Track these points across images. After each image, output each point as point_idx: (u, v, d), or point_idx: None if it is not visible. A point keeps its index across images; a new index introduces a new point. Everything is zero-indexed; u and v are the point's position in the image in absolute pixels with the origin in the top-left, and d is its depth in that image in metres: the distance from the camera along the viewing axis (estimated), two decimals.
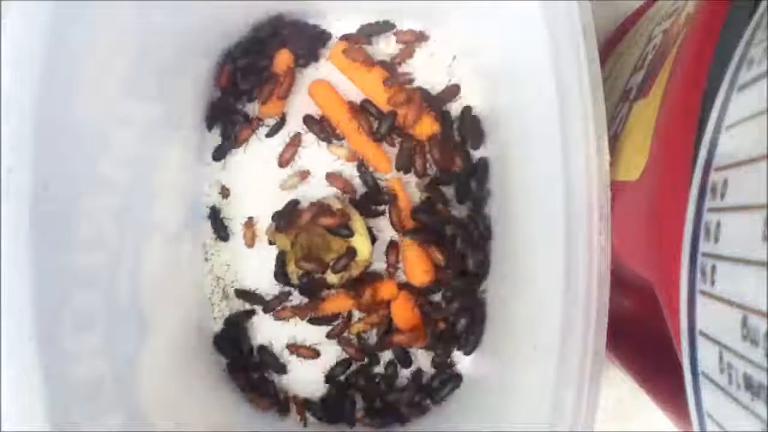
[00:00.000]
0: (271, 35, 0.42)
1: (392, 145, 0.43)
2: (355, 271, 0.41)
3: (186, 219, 0.42)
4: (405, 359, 0.42)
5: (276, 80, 0.41)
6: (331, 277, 0.41)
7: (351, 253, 0.40)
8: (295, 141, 0.42)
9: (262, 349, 0.43)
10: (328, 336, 0.42)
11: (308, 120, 0.42)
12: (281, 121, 0.43)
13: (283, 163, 0.42)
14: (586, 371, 0.27)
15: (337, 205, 0.41)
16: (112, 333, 0.34)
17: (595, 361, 0.27)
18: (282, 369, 0.43)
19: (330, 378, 0.43)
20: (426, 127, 0.41)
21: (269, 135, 0.43)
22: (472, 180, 0.41)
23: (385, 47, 0.43)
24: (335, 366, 0.42)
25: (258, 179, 0.43)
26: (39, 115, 0.30)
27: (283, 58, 0.42)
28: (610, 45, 0.40)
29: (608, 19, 0.42)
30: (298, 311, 0.42)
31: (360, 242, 0.40)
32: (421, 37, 0.42)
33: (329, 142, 0.43)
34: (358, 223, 0.41)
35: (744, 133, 0.16)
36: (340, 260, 0.40)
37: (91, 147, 0.33)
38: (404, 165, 0.42)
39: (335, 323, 0.42)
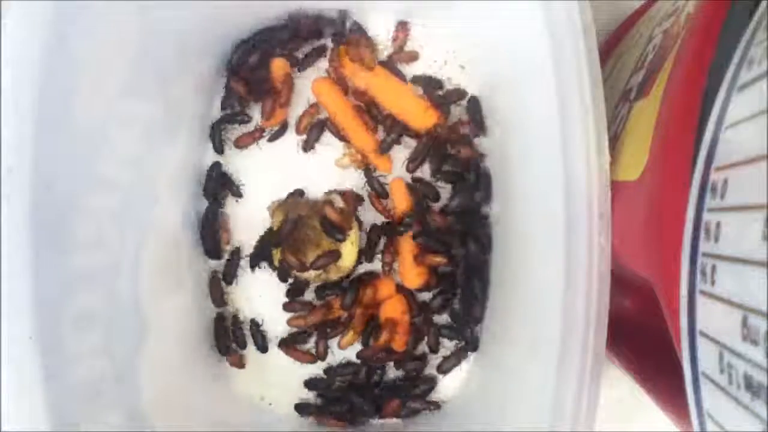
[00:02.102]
0: (268, 41, 0.42)
1: (397, 143, 0.42)
2: (332, 275, 0.41)
3: (186, 219, 0.42)
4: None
5: (275, 91, 0.41)
6: (308, 274, 0.41)
7: (333, 254, 0.40)
8: (312, 110, 0.42)
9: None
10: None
11: (313, 126, 0.42)
12: (283, 128, 0.43)
13: (300, 130, 0.42)
14: (586, 371, 0.27)
15: (341, 205, 0.41)
16: (112, 333, 0.34)
17: (595, 361, 0.27)
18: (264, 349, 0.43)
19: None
20: (428, 119, 0.41)
21: (272, 140, 0.43)
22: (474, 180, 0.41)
23: (387, 48, 0.43)
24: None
25: (258, 181, 0.43)
26: (39, 115, 0.30)
27: (278, 66, 0.42)
28: (610, 45, 0.40)
29: (608, 19, 0.42)
30: (309, 317, 0.42)
31: (347, 250, 0.40)
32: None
33: (310, 148, 0.43)
34: (353, 230, 0.40)
35: (744, 133, 0.16)
36: (320, 258, 0.40)
37: (91, 147, 0.33)
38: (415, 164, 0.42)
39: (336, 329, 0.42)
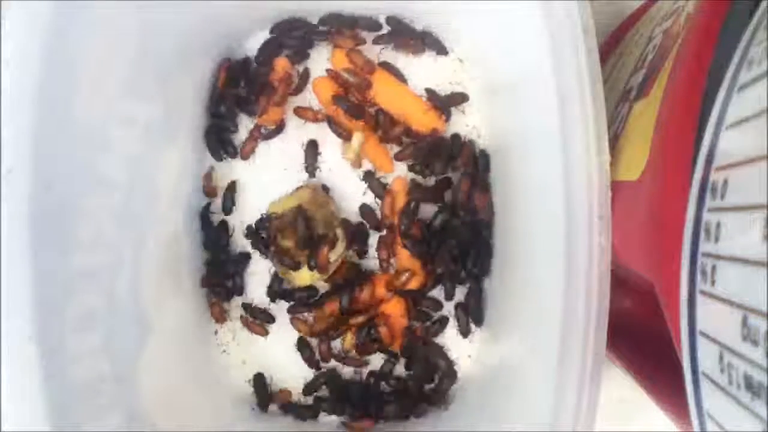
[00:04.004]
0: (269, 42, 0.42)
1: (398, 143, 0.42)
2: (282, 274, 0.41)
3: (186, 219, 0.42)
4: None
5: (272, 89, 0.41)
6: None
7: (294, 265, 0.40)
8: (320, 115, 0.42)
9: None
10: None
11: (308, 147, 0.42)
12: (279, 127, 0.43)
13: (300, 114, 0.42)
14: (586, 371, 0.27)
15: (341, 241, 0.41)
16: (112, 333, 0.34)
17: (595, 361, 0.27)
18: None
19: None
20: (430, 121, 0.41)
21: (267, 138, 0.43)
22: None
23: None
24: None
25: (258, 180, 0.43)
26: (39, 115, 0.30)
27: (281, 65, 0.42)
28: (610, 45, 0.40)
29: (608, 19, 0.42)
30: (314, 325, 0.42)
31: (305, 274, 0.41)
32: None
33: (313, 171, 0.42)
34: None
35: (744, 133, 0.16)
36: (284, 257, 0.40)
37: (91, 147, 0.33)
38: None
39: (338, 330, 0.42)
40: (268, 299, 0.43)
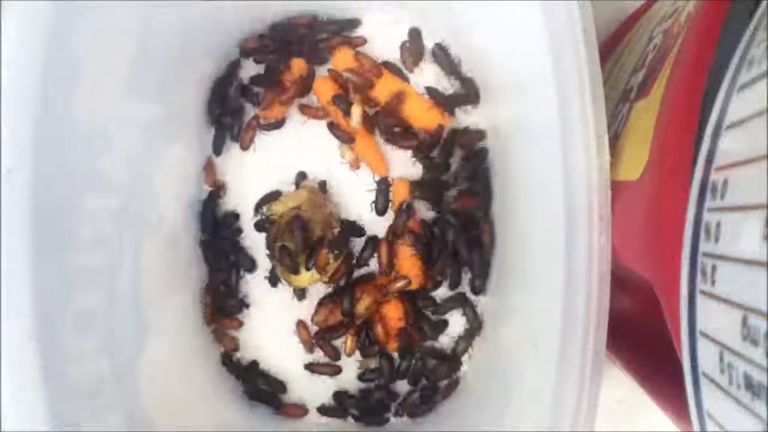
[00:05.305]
0: (284, 41, 0.42)
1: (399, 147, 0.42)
2: (281, 275, 0.42)
3: (186, 219, 0.42)
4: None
5: (283, 87, 0.41)
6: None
7: (291, 264, 0.40)
8: (320, 113, 0.42)
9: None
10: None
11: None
12: (279, 123, 0.43)
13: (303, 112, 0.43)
14: (586, 371, 0.27)
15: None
16: (112, 333, 0.34)
17: (595, 361, 0.27)
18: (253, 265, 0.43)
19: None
20: (433, 119, 0.41)
21: (264, 129, 0.43)
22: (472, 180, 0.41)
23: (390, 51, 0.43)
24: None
25: (258, 177, 0.43)
26: (39, 115, 0.30)
27: (297, 65, 0.42)
28: (610, 45, 0.40)
29: (608, 19, 0.42)
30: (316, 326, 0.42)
31: (305, 276, 0.41)
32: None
33: None
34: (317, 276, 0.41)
35: (744, 133, 0.16)
36: (284, 257, 0.40)
37: (92, 147, 0.33)
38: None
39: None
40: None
